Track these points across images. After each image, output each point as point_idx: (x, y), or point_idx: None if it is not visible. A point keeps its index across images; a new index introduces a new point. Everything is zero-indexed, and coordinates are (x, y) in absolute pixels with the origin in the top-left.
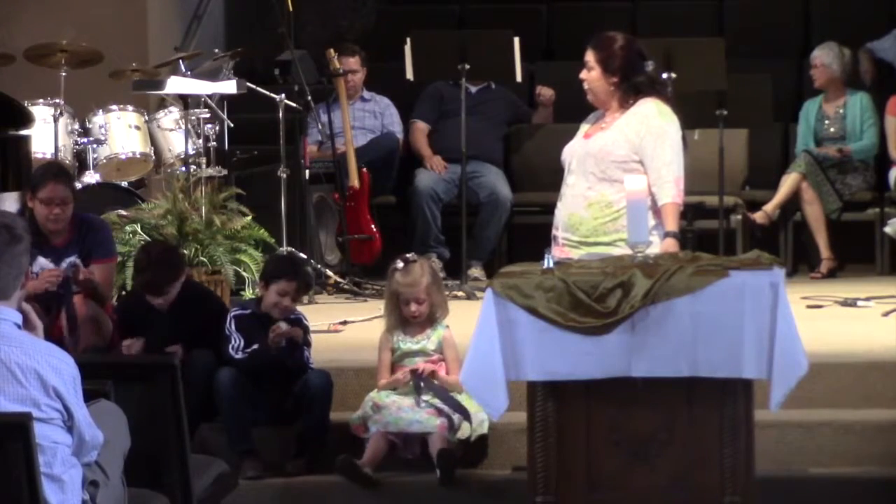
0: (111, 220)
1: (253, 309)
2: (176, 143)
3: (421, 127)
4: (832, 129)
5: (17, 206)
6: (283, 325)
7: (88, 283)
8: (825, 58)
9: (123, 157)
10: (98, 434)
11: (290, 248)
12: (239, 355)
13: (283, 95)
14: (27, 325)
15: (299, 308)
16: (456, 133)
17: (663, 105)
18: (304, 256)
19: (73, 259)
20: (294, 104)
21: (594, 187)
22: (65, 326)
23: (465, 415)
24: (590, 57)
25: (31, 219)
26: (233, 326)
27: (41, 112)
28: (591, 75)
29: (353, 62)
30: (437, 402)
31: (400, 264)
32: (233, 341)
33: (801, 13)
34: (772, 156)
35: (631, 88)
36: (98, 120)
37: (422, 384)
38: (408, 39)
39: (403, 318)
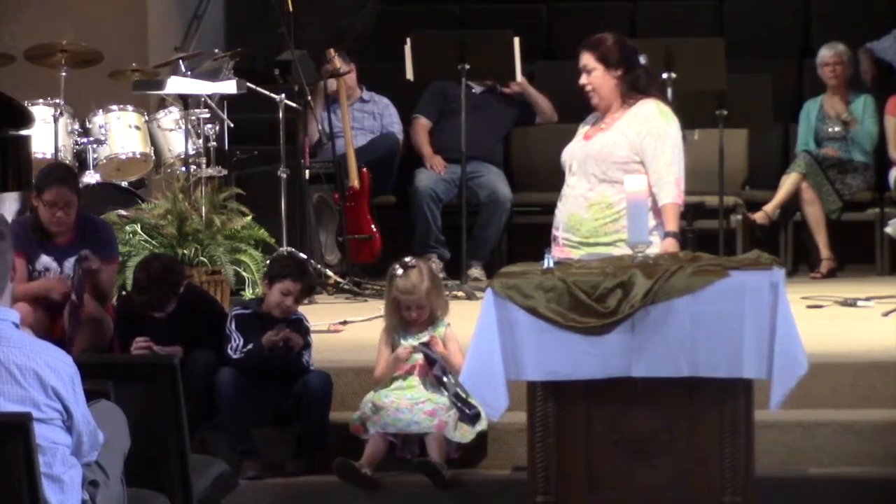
0: (111, 219)
1: (254, 309)
2: (176, 143)
3: (423, 122)
4: (835, 129)
5: (17, 205)
6: (282, 329)
7: (96, 274)
8: (843, 55)
9: (123, 157)
10: (99, 434)
11: (290, 249)
12: (237, 355)
13: (283, 95)
14: None
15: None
16: (456, 133)
17: (664, 106)
18: (304, 256)
19: (84, 252)
20: (294, 104)
21: (595, 188)
22: (66, 320)
23: (470, 417)
24: (587, 59)
25: (35, 217)
26: (233, 326)
27: (41, 112)
28: (594, 76)
29: (337, 61)
30: (445, 399)
31: (399, 270)
32: (232, 341)
33: (801, 13)
34: (772, 156)
35: (632, 83)
36: (98, 120)
37: (430, 356)
38: (408, 39)
39: (404, 320)
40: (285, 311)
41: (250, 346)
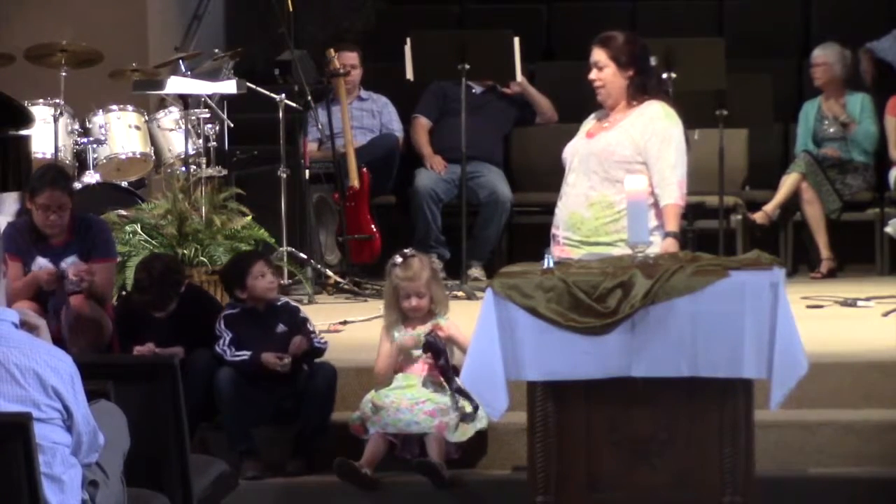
0: (111, 220)
1: (241, 306)
2: (176, 143)
3: (423, 122)
4: (832, 130)
5: (16, 205)
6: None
7: (89, 275)
8: (828, 57)
9: (123, 157)
10: (99, 435)
11: (290, 248)
12: (229, 356)
13: (283, 95)
14: (27, 325)
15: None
16: (456, 133)
17: (668, 107)
18: (304, 256)
19: (72, 259)
20: (294, 104)
21: (596, 187)
22: (63, 326)
23: (469, 415)
24: (600, 56)
25: (30, 219)
26: (222, 325)
27: (41, 112)
28: (605, 74)
29: (352, 56)
30: (445, 399)
31: (399, 259)
32: (222, 338)
33: (801, 13)
34: (772, 156)
35: (641, 84)
36: (98, 120)
37: (436, 345)
38: (408, 39)
39: (403, 314)
40: (273, 289)
41: (246, 357)
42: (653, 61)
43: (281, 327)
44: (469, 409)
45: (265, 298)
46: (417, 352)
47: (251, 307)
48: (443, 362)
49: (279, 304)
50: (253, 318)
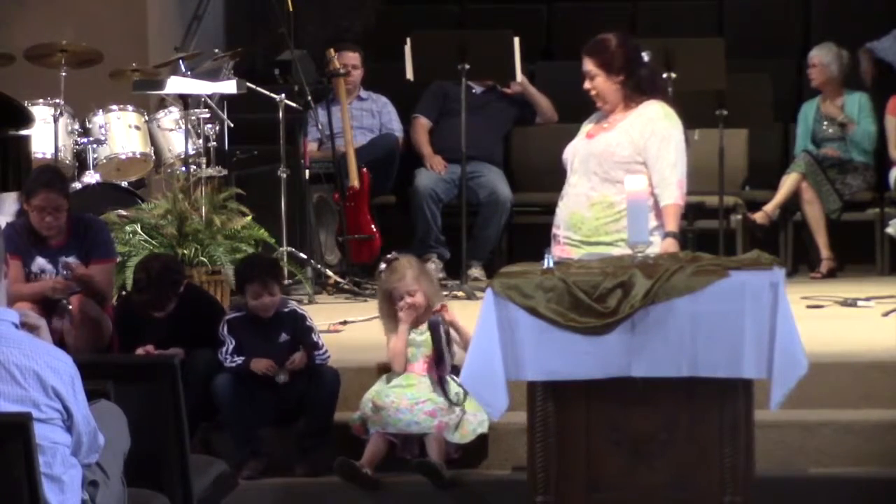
0: (111, 220)
1: (246, 311)
2: (176, 143)
3: (423, 122)
4: (831, 130)
5: (16, 205)
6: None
7: (87, 278)
8: (824, 57)
9: (123, 157)
10: (99, 436)
11: (290, 248)
12: (229, 362)
13: (283, 95)
14: (27, 325)
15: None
16: (456, 133)
17: (668, 107)
18: (304, 256)
19: (67, 259)
20: (294, 104)
21: (597, 187)
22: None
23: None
24: (589, 65)
25: (28, 220)
26: (225, 330)
27: (41, 112)
28: (597, 82)
29: (354, 57)
30: (440, 400)
31: (383, 265)
32: (225, 345)
33: (801, 13)
34: (772, 156)
35: (635, 86)
36: (98, 120)
37: (438, 322)
38: (408, 39)
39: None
40: (269, 308)
41: (240, 362)
42: (646, 56)
43: (284, 336)
44: (455, 393)
45: (260, 314)
46: (417, 351)
47: (254, 314)
48: (440, 345)
49: (286, 310)
50: (255, 325)
